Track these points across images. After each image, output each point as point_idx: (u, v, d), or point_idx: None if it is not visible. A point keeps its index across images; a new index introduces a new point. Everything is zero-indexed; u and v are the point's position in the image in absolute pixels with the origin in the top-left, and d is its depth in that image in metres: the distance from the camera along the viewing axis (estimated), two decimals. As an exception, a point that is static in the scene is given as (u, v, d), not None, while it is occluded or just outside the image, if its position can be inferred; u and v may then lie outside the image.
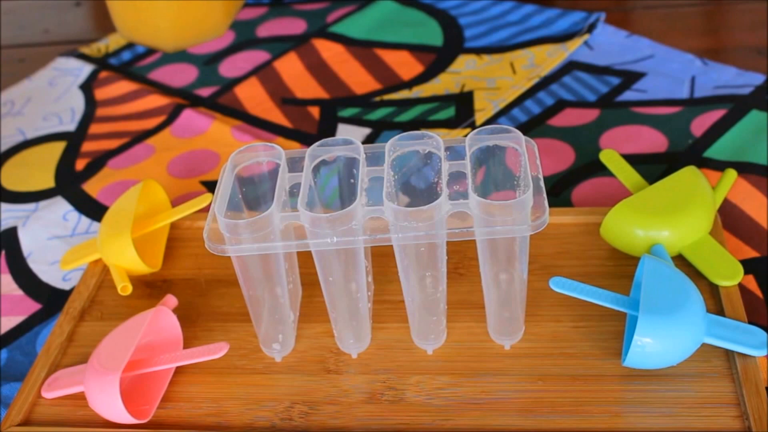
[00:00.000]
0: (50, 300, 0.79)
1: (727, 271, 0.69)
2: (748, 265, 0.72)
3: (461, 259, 0.74)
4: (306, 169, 0.63)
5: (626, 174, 0.77)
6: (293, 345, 0.69)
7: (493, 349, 0.67)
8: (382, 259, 0.72)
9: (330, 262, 0.63)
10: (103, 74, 1.10)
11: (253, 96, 1.03)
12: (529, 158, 0.61)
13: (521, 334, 0.67)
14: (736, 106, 0.90)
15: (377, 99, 1.00)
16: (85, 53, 1.15)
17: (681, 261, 0.71)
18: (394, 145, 0.64)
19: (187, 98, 1.05)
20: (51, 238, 0.86)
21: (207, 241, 0.60)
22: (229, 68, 1.09)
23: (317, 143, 0.65)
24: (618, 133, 0.90)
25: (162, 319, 0.68)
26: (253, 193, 0.67)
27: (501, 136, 0.63)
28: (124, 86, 1.08)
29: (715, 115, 0.89)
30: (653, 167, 0.83)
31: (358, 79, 1.04)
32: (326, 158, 0.65)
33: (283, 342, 0.68)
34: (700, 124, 0.89)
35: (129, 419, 0.62)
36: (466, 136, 0.64)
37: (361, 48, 1.10)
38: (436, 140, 0.63)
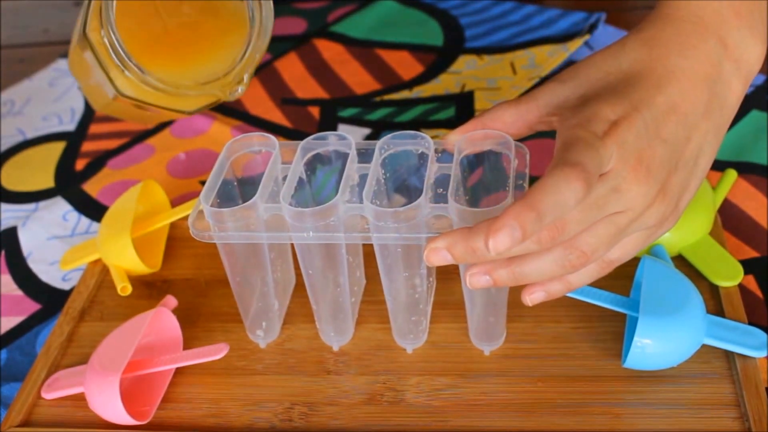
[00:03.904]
0: (50, 300, 0.79)
1: (727, 272, 0.69)
2: (748, 266, 0.72)
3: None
4: (296, 162, 0.63)
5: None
6: (278, 333, 0.69)
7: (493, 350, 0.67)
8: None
9: (309, 256, 0.63)
10: (103, 74, 1.10)
11: (253, 96, 1.03)
12: (519, 164, 0.60)
13: (503, 339, 0.66)
14: (737, 107, 0.90)
15: (377, 99, 1.00)
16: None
17: (681, 261, 0.71)
18: (387, 143, 0.64)
19: (187, 98, 1.05)
20: (51, 238, 0.86)
21: (191, 227, 0.61)
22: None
23: (311, 137, 0.65)
24: (618, 133, 0.89)
25: (162, 320, 0.68)
26: (251, 184, 0.67)
27: (492, 141, 0.61)
28: (124, 86, 1.08)
29: (716, 115, 0.89)
30: (653, 167, 0.83)
31: (359, 79, 1.04)
32: (321, 152, 0.65)
33: (267, 329, 0.68)
34: (700, 125, 0.88)
35: (129, 420, 0.62)
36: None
37: (362, 48, 1.10)
38: (426, 141, 0.63)
